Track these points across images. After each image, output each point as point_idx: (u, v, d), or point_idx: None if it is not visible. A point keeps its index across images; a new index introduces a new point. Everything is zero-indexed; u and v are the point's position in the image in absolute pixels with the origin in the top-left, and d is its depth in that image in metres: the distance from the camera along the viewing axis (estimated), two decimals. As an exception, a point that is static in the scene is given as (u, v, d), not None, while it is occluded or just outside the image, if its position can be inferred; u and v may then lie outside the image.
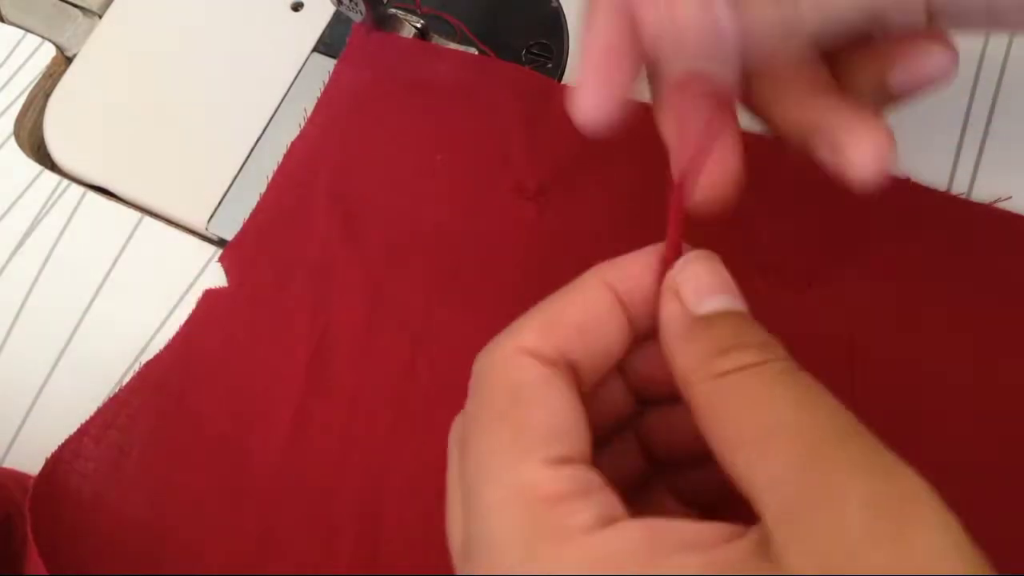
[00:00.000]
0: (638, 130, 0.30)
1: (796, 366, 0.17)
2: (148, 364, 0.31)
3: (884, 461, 0.15)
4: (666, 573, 0.14)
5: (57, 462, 0.29)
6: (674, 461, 0.20)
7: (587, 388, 0.18)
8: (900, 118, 0.30)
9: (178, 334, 0.31)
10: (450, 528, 0.19)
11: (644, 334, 0.19)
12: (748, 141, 0.30)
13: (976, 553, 0.14)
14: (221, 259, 0.33)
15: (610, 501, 0.16)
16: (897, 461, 0.15)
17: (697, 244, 0.28)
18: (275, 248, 0.32)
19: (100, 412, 0.30)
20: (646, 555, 0.15)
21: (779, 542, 0.14)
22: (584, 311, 0.18)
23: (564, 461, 0.16)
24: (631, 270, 0.19)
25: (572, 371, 0.18)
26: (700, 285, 0.18)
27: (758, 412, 0.16)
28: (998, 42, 0.31)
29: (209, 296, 0.32)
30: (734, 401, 0.16)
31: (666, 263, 0.19)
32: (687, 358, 0.17)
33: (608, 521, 0.15)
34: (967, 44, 0.31)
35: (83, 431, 0.30)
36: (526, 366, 0.17)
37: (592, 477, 0.16)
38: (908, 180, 0.29)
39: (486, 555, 0.16)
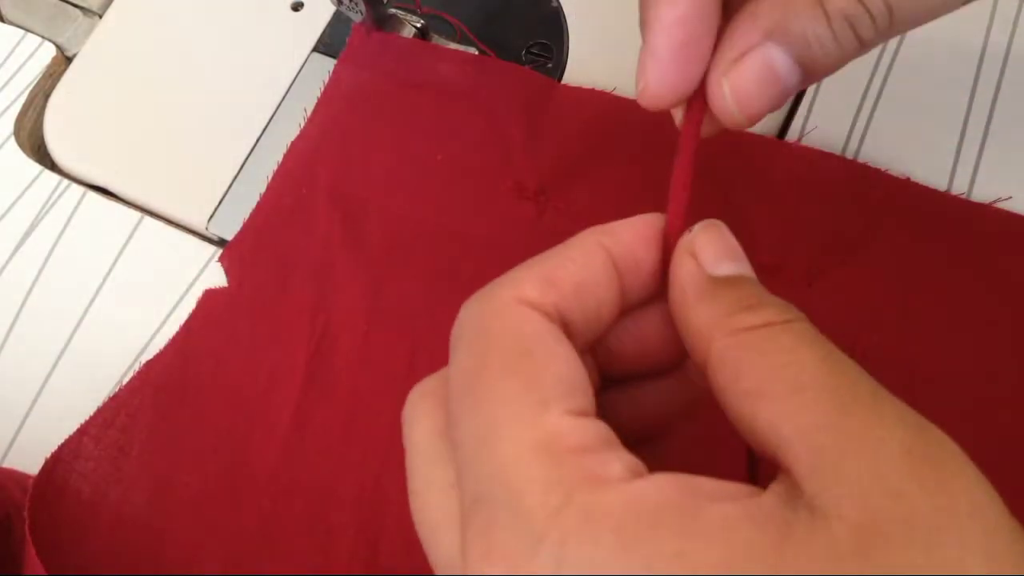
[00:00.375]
0: (637, 129, 0.30)
1: (818, 330, 0.17)
2: (148, 364, 0.31)
3: (917, 418, 0.15)
4: (709, 521, 0.14)
5: (57, 462, 0.29)
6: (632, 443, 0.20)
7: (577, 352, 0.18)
8: (900, 118, 0.31)
9: (178, 334, 0.31)
10: (421, 511, 0.18)
11: (628, 306, 0.19)
12: (748, 141, 0.30)
13: (1008, 511, 0.14)
14: (221, 259, 0.33)
15: (631, 456, 0.16)
16: (927, 421, 0.15)
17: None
18: (275, 248, 0.32)
19: (100, 412, 0.30)
20: (688, 504, 0.14)
21: (813, 491, 0.14)
22: (583, 270, 0.18)
23: (584, 414, 0.16)
24: (624, 236, 0.19)
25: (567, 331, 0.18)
26: (717, 249, 0.18)
27: (787, 367, 0.15)
28: (998, 42, 0.31)
29: (209, 296, 0.32)
30: (760, 355, 0.16)
31: (670, 229, 0.19)
32: (706, 314, 0.17)
33: (637, 473, 0.15)
34: (967, 44, 0.31)
35: (83, 431, 0.30)
36: (532, 319, 0.17)
37: (611, 432, 0.16)
38: (908, 180, 0.29)
39: (510, 514, 0.15)
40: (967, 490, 0.14)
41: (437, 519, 0.17)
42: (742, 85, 0.19)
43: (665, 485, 0.15)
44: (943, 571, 0.13)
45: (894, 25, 0.19)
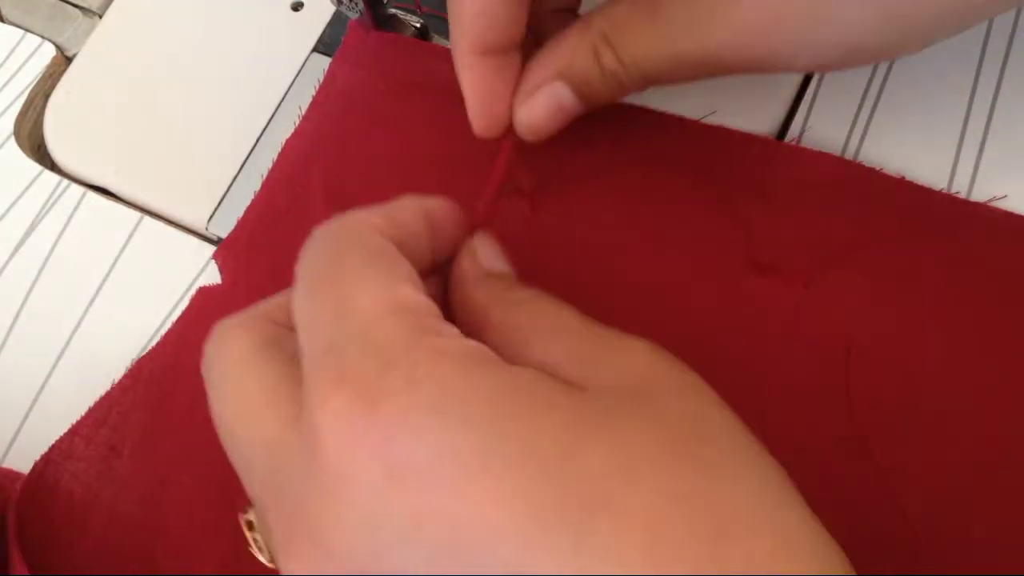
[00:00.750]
0: (632, 130, 0.30)
1: None
2: (139, 362, 0.31)
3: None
4: (517, 370, 0.18)
5: (47, 463, 0.29)
6: None
7: None
8: (900, 118, 0.31)
9: (170, 331, 0.31)
10: (239, 421, 0.20)
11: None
12: (749, 141, 0.30)
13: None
14: (215, 256, 0.32)
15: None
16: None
17: (697, 244, 0.29)
18: (269, 246, 0.32)
19: (91, 412, 0.30)
20: (497, 359, 0.18)
21: (576, 375, 0.19)
22: (414, 220, 0.22)
23: (427, 297, 0.20)
24: (441, 209, 0.23)
25: None
26: (490, 253, 0.24)
27: (551, 317, 0.21)
28: (998, 41, 0.31)
29: (203, 294, 0.32)
30: (528, 315, 0.21)
31: (476, 218, 0.25)
32: (484, 293, 0.22)
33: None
34: (967, 44, 0.31)
35: (73, 431, 0.30)
36: (382, 236, 0.21)
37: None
38: (906, 180, 0.29)
39: (363, 349, 0.17)
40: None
41: (264, 421, 0.19)
42: (534, 114, 0.26)
43: (481, 345, 0.19)
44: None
45: (647, 82, 0.25)
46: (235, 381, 0.20)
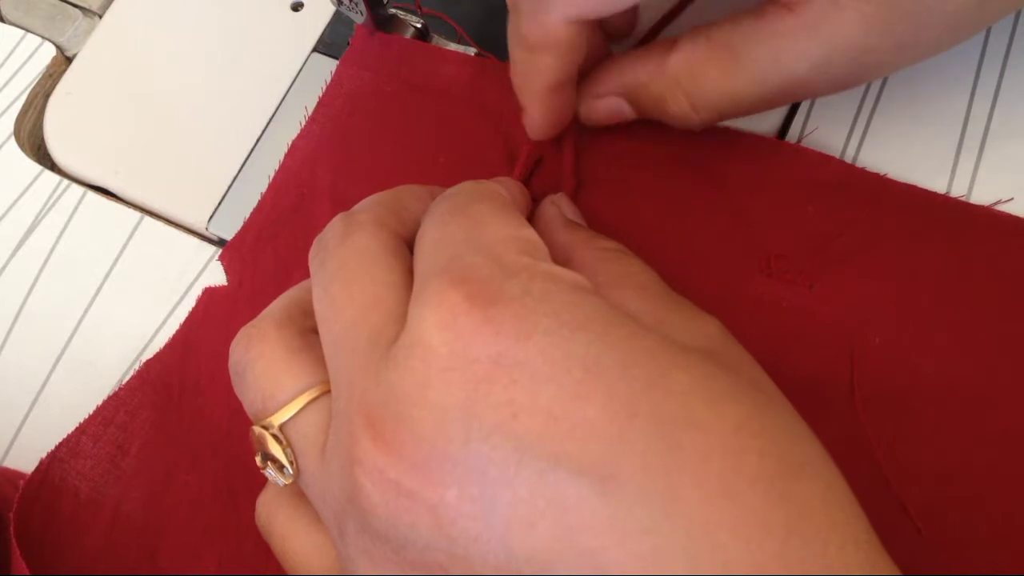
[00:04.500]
0: (638, 130, 0.30)
1: None
2: (147, 363, 0.31)
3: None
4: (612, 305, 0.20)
5: (53, 461, 0.29)
6: None
7: None
8: (900, 118, 0.31)
9: (178, 332, 0.31)
10: (361, 293, 0.21)
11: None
12: (752, 143, 0.30)
13: None
14: (221, 257, 0.33)
15: None
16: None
17: (703, 243, 0.29)
18: (275, 247, 0.32)
19: (99, 411, 0.30)
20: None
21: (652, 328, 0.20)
22: (516, 191, 0.27)
23: None
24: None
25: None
26: (569, 207, 0.27)
27: (635, 275, 0.23)
28: (998, 42, 0.31)
29: (209, 294, 0.32)
30: (614, 265, 0.23)
31: (567, 182, 0.30)
32: (569, 235, 0.25)
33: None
34: (967, 43, 0.31)
35: (81, 430, 0.30)
36: (507, 194, 0.24)
37: None
38: (906, 184, 0.29)
39: (486, 260, 0.19)
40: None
41: (377, 307, 0.20)
42: (595, 115, 0.29)
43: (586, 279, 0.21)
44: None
45: (721, 119, 0.27)
46: (355, 268, 0.21)
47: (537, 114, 0.28)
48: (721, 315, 0.26)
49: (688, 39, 0.26)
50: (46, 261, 0.34)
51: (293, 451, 0.21)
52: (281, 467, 0.21)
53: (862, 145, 0.30)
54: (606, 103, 0.28)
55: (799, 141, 0.30)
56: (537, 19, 0.25)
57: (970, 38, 0.25)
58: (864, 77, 0.25)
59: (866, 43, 0.23)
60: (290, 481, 0.21)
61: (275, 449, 0.21)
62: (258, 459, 0.22)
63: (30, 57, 0.39)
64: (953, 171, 0.29)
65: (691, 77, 0.26)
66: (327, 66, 0.35)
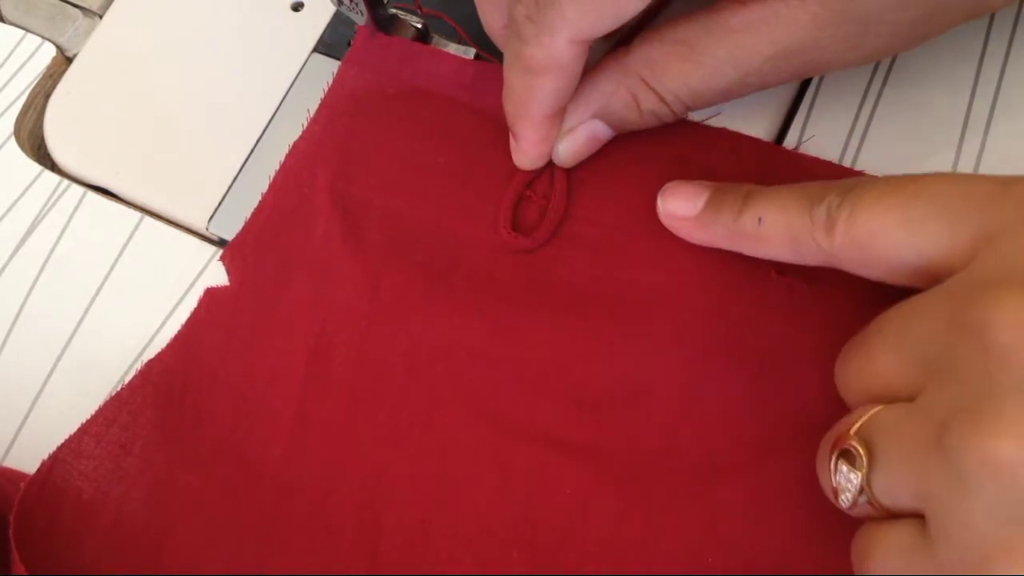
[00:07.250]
0: (636, 132, 0.30)
1: None
2: (149, 363, 0.31)
3: None
4: None
5: (56, 461, 0.29)
6: None
7: None
8: (900, 118, 0.31)
9: (180, 332, 0.31)
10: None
11: None
12: (748, 144, 0.30)
13: None
14: (222, 257, 0.32)
15: None
16: None
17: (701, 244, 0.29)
18: (276, 247, 0.32)
19: (101, 411, 0.30)
20: None
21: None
22: None
23: None
24: None
25: None
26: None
27: None
28: (998, 42, 0.31)
29: (210, 294, 0.32)
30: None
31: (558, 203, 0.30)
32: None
33: None
34: (967, 43, 0.31)
35: (84, 430, 0.30)
36: None
37: None
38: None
39: None
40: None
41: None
42: (574, 148, 0.29)
43: None
44: None
45: (689, 109, 0.28)
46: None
47: (530, 144, 0.29)
48: (722, 315, 0.26)
49: (642, 40, 0.27)
50: (46, 261, 0.34)
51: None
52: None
53: (862, 144, 0.30)
54: (583, 130, 0.29)
55: (797, 147, 0.30)
56: (541, 41, 0.25)
57: (929, 39, 0.26)
58: (820, 69, 0.27)
59: (817, 41, 0.24)
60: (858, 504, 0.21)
61: (856, 481, 0.21)
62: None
63: (30, 57, 0.39)
64: (953, 170, 0.29)
65: (652, 71, 0.27)
66: (327, 66, 0.35)
